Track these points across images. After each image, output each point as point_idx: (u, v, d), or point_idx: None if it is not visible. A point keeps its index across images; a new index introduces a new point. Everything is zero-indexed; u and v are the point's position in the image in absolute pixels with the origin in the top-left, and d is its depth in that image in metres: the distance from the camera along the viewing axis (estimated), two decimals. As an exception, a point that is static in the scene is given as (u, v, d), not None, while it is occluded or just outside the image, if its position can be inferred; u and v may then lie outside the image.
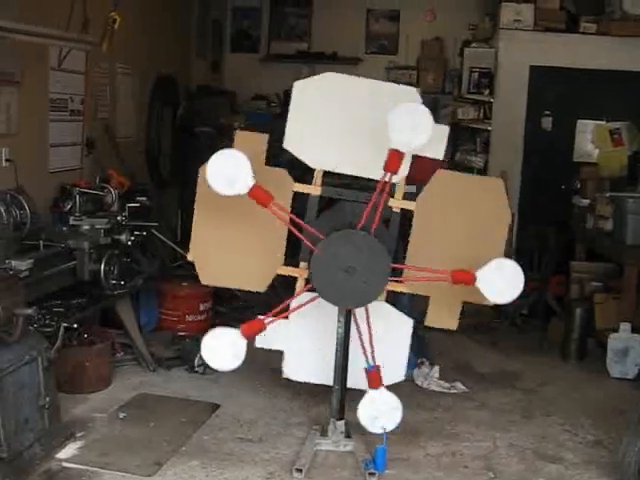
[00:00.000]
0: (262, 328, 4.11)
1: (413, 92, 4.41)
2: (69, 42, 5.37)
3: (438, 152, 4.38)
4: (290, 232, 4.31)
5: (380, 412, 4.10)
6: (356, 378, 4.28)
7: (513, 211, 7.48)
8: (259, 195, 4.01)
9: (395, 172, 4.08)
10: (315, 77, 4.46)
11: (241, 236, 4.39)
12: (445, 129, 4.39)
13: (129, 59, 6.84)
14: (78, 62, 5.84)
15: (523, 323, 6.77)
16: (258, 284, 4.44)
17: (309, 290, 4.24)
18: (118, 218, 5.19)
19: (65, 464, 3.97)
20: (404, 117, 3.95)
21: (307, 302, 4.22)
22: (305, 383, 4.78)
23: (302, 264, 4.42)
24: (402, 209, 4.42)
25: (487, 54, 8.04)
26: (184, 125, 8.25)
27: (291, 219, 4.23)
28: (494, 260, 4.04)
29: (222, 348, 4.01)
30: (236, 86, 9.59)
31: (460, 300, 4.43)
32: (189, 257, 4.45)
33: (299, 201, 4.46)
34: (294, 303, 4.30)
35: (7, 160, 4.94)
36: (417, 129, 3.96)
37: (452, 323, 4.51)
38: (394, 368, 4.44)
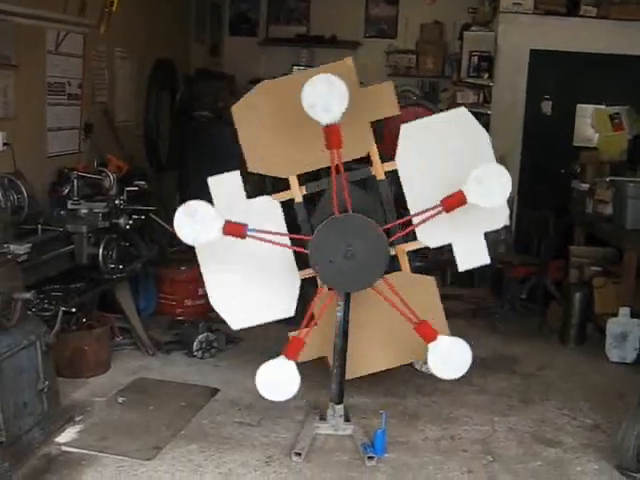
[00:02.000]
0: (303, 344, 4.13)
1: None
2: (66, 25, 5.33)
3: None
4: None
5: (448, 357, 4.09)
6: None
7: (512, 195, 7.57)
8: (233, 230, 4.01)
9: (340, 146, 4.01)
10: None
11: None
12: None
13: (127, 43, 6.80)
14: (75, 45, 5.80)
15: (522, 308, 6.75)
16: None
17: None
18: (116, 202, 5.17)
19: (64, 448, 3.98)
20: (315, 92, 3.88)
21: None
22: (304, 367, 4.80)
23: (303, 188, 4.43)
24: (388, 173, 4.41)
25: (487, 38, 7.99)
26: (183, 109, 8.22)
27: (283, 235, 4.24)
28: (472, 172, 3.98)
29: (277, 381, 4.06)
30: (235, 70, 9.54)
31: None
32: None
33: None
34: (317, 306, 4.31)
35: (4, 144, 4.91)
36: (332, 96, 3.87)
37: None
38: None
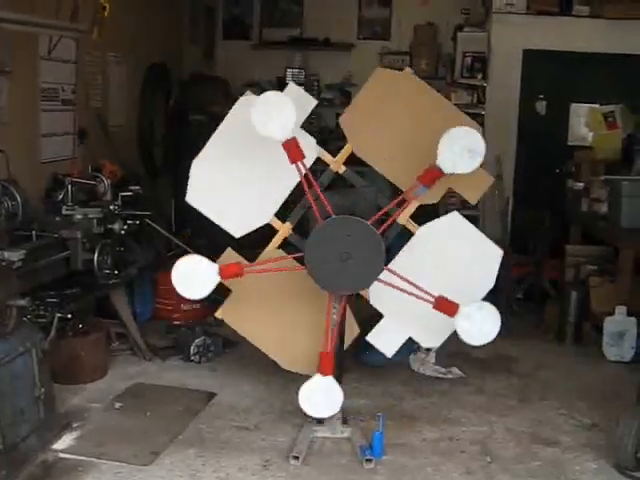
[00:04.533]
0: (240, 273, 4.14)
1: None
2: (59, 30, 5.33)
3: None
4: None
5: (478, 322, 4.03)
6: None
7: (508, 195, 7.57)
8: (293, 149, 4.00)
9: (427, 186, 4.09)
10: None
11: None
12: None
13: (120, 47, 6.79)
14: (68, 51, 5.79)
15: (519, 307, 6.76)
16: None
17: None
18: (111, 207, 5.16)
19: (61, 455, 3.97)
20: (461, 141, 3.93)
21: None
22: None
23: (288, 223, 4.43)
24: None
25: (480, 38, 8.00)
26: (177, 113, 8.21)
27: (308, 181, 4.18)
28: (480, 302, 4.04)
29: (194, 276, 4.08)
30: (229, 73, 9.53)
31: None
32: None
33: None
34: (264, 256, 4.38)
35: (-2, 150, 4.91)
36: (467, 158, 3.94)
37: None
38: (485, 279, 4.38)
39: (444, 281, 4.20)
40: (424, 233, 4.36)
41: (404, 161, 4.31)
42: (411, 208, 4.36)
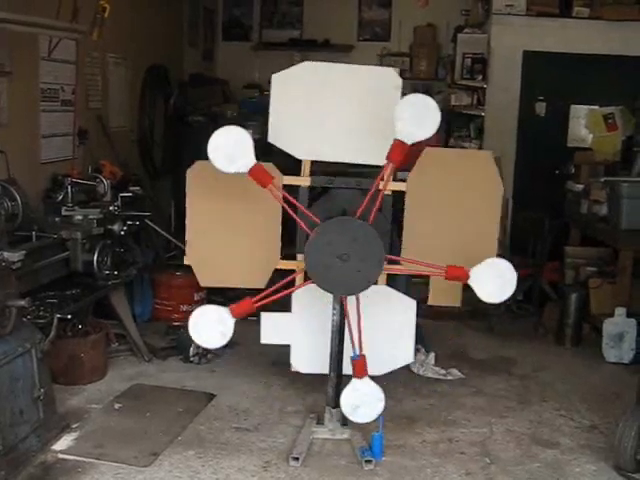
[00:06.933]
0: (251, 310, 4.10)
1: (392, 73, 4.41)
2: (59, 31, 5.33)
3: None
4: (284, 226, 4.36)
5: (362, 401, 4.01)
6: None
7: (507, 197, 7.57)
8: (260, 175, 3.99)
9: (398, 162, 4.06)
10: (293, 67, 4.46)
11: (236, 235, 4.39)
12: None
13: (120, 48, 6.80)
14: (68, 52, 5.79)
15: (518, 309, 6.76)
16: (257, 281, 4.38)
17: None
18: (111, 208, 5.16)
19: (61, 455, 3.96)
20: (411, 109, 3.92)
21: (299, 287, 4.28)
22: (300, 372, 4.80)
23: (299, 256, 4.40)
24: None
25: (480, 40, 8.00)
26: (177, 114, 8.22)
27: (287, 202, 4.19)
28: (489, 259, 4.04)
29: (210, 325, 4.03)
30: (229, 75, 9.57)
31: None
32: (186, 261, 4.45)
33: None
34: (294, 295, 4.35)
35: (-2, 151, 4.91)
36: (424, 122, 3.93)
37: (455, 299, 4.51)
38: (402, 351, 4.46)
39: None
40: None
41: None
42: (389, 174, 4.30)
